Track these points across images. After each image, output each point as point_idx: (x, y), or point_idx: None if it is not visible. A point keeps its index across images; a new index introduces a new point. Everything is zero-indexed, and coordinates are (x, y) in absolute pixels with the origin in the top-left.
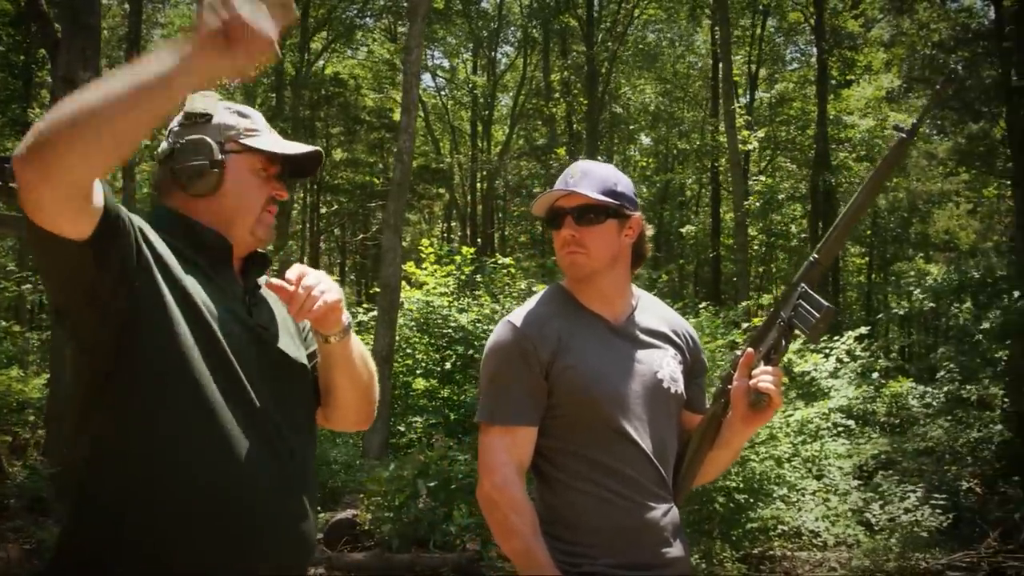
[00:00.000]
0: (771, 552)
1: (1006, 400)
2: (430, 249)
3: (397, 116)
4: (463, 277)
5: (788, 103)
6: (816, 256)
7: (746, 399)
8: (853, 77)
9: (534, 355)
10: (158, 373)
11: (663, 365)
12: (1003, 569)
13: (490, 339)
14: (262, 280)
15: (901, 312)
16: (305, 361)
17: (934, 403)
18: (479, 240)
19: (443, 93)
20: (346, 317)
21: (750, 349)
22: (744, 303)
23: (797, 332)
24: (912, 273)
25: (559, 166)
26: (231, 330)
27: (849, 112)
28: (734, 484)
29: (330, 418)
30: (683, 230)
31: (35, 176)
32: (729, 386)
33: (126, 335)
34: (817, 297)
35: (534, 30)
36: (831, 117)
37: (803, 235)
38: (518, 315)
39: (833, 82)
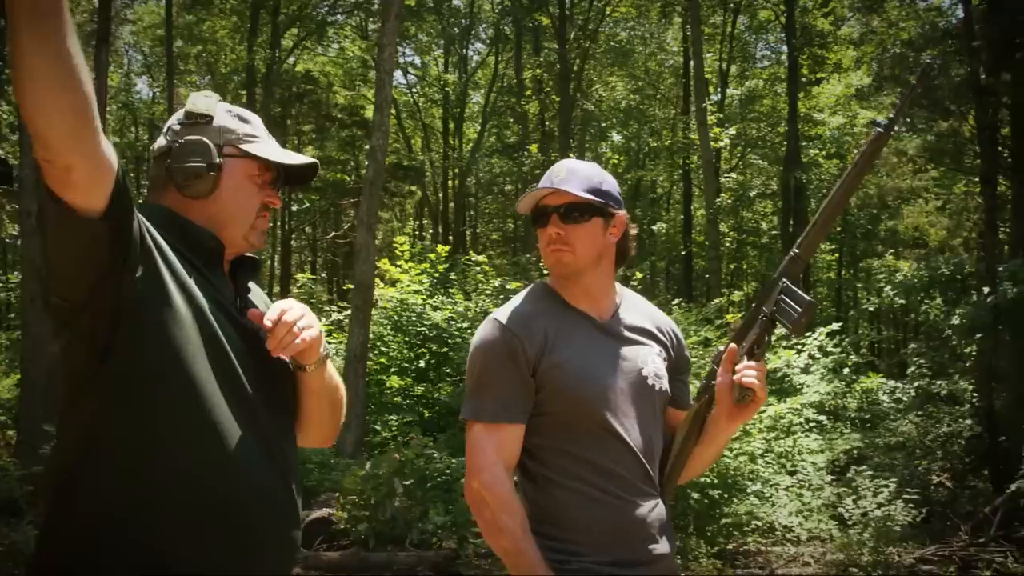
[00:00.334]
0: (745, 547)
1: (975, 395)
2: (405, 247)
3: (369, 113)
4: (437, 275)
5: (759, 100)
6: (797, 251)
7: (730, 395)
8: (823, 75)
9: (521, 353)
10: (159, 362)
11: (648, 362)
12: (974, 563)
13: (476, 337)
14: (253, 285)
15: (871, 308)
16: (290, 366)
17: (904, 398)
18: (451, 237)
19: (414, 90)
20: (324, 348)
21: (733, 344)
22: (716, 300)
23: (779, 327)
24: (882, 269)
25: (531, 163)
26: (228, 331)
27: (819, 109)
28: (708, 480)
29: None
30: (655, 227)
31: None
32: (713, 382)
33: (128, 321)
34: (799, 292)
35: (506, 27)
36: (802, 114)
37: (774, 232)
38: (504, 312)
39: (804, 80)
